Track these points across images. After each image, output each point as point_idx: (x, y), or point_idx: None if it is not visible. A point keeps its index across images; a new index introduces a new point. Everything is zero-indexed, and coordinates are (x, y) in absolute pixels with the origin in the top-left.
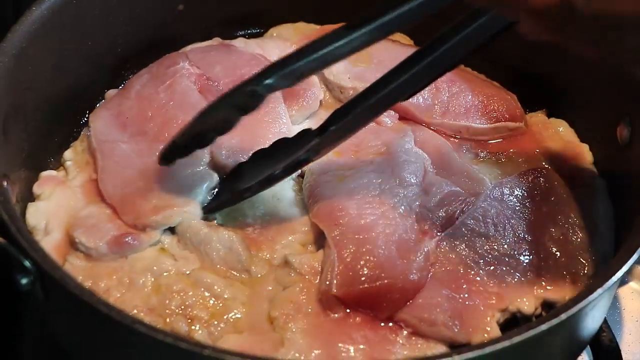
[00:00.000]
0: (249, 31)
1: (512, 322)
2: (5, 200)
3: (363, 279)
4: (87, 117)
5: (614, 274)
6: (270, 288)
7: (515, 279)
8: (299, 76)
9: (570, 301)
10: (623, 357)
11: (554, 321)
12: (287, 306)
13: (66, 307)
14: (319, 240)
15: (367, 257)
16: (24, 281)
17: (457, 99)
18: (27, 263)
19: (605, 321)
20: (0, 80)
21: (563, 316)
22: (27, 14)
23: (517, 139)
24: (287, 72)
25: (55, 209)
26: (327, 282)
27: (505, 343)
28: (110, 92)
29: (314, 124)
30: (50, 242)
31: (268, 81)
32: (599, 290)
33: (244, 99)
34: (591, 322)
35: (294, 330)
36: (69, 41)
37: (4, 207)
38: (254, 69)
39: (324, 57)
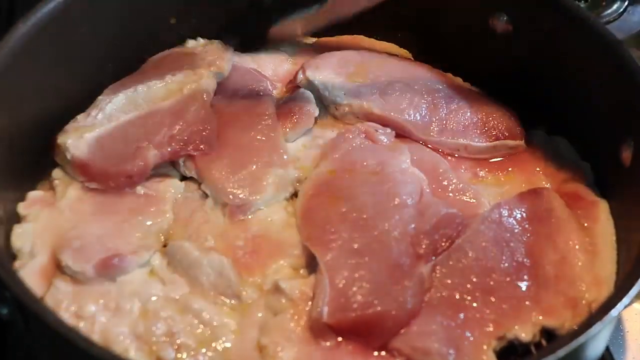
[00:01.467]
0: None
1: (510, 350)
2: None
3: (355, 306)
4: None
5: (614, 306)
6: (261, 314)
7: (513, 306)
8: None
9: (568, 335)
10: None
11: (552, 357)
12: (277, 334)
13: (47, 339)
14: (311, 264)
15: (360, 284)
16: (4, 311)
17: (456, 116)
18: (6, 294)
19: (607, 349)
20: None
21: (560, 353)
22: (12, 31)
23: (516, 157)
24: None
25: (42, 230)
26: (318, 310)
27: None
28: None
29: (309, 142)
30: (36, 266)
31: None
32: (599, 324)
33: None
34: (593, 352)
35: (284, 359)
36: (56, 59)
37: None
38: (248, 84)
39: None
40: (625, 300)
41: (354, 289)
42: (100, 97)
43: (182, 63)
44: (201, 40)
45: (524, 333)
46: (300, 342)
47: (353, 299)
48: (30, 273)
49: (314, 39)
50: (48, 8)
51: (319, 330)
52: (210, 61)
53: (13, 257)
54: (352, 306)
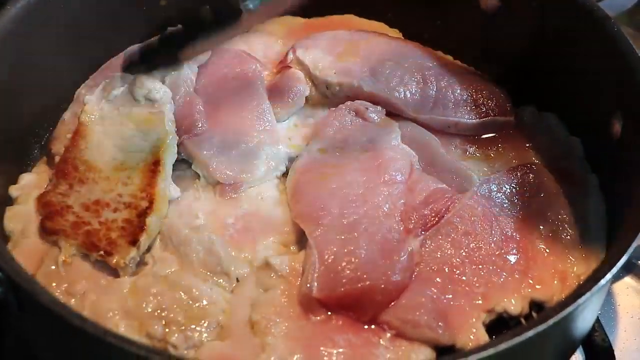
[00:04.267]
0: None
1: (500, 322)
2: None
3: (344, 281)
4: None
5: (603, 276)
6: (252, 291)
7: (502, 279)
8: None
9: (558, 305)
10: (618, 354)
11: (541, 327)
12: (268, 310)
13: (40, 318)
14: (302, 240)
15: (349, 258)
16: None
17: (446, 93)
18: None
19: (597, 320)
20: None
21: (550, 322)
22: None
23: (506, 133)
24: None
25: (34, 212)
26: (308, 285)
27: (490, 351)
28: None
29: (300, 121)
30: (27, 246)
31: None
32: (588, 294)
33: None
34: (582, 324)
35: (275, 334)
36: (46, 48)
37: None
38: (237, 67)
39: None
40: (613, 270)
41: (343, 263)
42: (81, 91)
43: None
44: (180, 27)
45: (513, 306)
46: (291, 317)
47: (342, 274)
48: (23, 253)
49: (304, 19)
50: None
51: (309, 305)
52: None
53: (6, 238)
54: (341, 281)
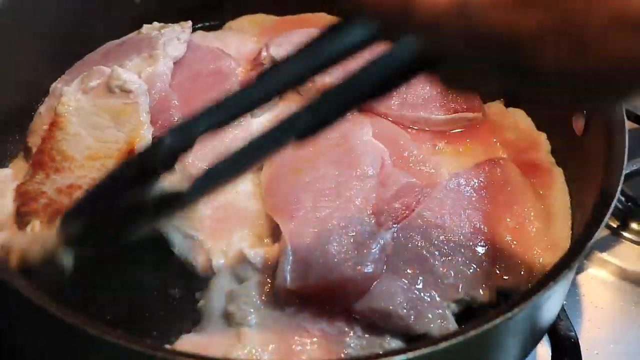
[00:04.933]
0: (207, 24)
1: (469, 312)
2: None
3: (317, 272)
4: None
5: (567, 266)
6: (227, 282)
7: (471, 270)
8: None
9: (524, 294)
10: (583, 344)
11: (508, 315)
12: (243, 301)
13: (14, 304)
14: (276, 233)
15: (322, 250)
16: None
17: (415, 89)
18: None
19: (563, 309)
20: None
21: (516, 310)
22: None
23: (475, 129)
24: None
25: (11, 204)
26: (282, 277)
27: (460, 338)
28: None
29: (273, 116)
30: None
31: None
32: (552, 284)
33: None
34: (547, 313)
35: (250, 325)
36: (19, 42)
37: None
38: (212, 64)
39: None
40: (577, 261)
41: (316, 255)
42: (57, 85)
43: (139, 47)
44: (157, 24)
45: (482, 295)
46: (266, 308)
47: (315, 266)
48: None
49: (276, 17)
50: None
51: (283, 296)
52: (166, 42)
53: None
54: (314, 272)
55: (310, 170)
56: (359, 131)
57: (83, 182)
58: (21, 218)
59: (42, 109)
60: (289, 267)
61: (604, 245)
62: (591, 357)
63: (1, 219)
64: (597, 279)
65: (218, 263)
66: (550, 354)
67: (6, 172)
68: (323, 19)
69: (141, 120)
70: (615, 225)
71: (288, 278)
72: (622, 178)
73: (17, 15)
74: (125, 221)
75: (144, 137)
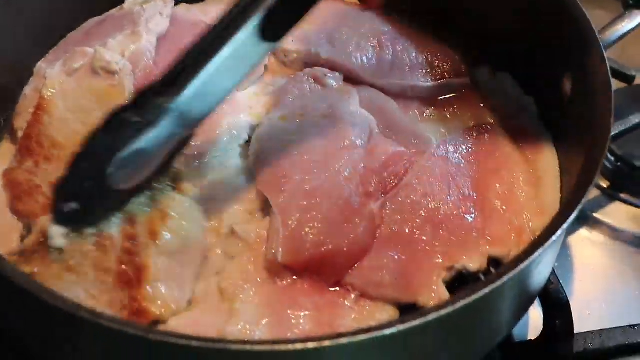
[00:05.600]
0: None
1: (460, 279)
2: None
3: (308, 245)
4: None
5: (556, 230)
6: (219, 258)
7: (461, 238)
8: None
9: (513, 261)
10: (575, 305)
11: (498, 283)
12: (235, 277)
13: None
14: (266, 207)
15: (312, 224)
16: None
17: (401, 57)
18: None
19: (553, 272)
20: None
21: (505, 278)
22: None
23: (462, 95)
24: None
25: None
26: (273, 251)
27: (449, 309)
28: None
29: (260, 89)
30: None
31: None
32: (541, 250)
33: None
34: (538, 278)
35: (243, 300)
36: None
37: None
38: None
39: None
40: (565, 225)
41: (306, 229)
42: (41, 65)
43: (121, 24)
44: None
45: (472, 263)
46: (258, 282)
47: (305, 239)
48: None
49: None
50: None
51: (275, 270)
52: (148, 18)
53: None
54: (305, 246)
55: (298, 143)
56: (346, 101)
57: None
58: (18, 216)
59: (27, 90)
60: (280, 241)
61: (595, 206)
62: (582, 317)
63: None
64: (588, 240)
65: (211, 241)
66: (542, 316)
67: None
68: None
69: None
70: (605, 186)
71: (280, 252)
72: (609, 138)
73: None
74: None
75: None
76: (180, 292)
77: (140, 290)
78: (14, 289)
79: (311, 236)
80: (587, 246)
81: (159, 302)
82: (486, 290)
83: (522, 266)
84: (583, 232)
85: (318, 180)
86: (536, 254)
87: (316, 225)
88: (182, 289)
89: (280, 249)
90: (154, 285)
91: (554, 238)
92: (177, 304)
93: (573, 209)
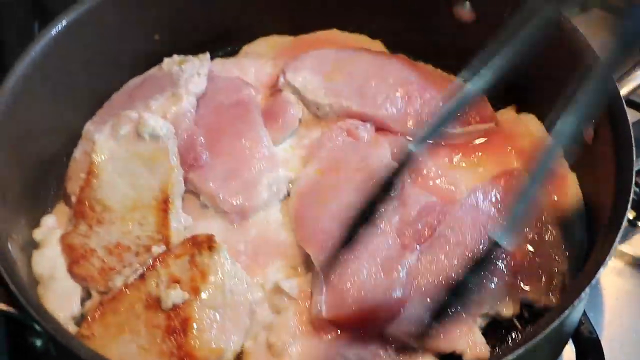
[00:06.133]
0: (226, 48)
1: (496, 324)
2: (12, 272)
3: (350, 301)
4: None
5: (590, 281)
6: (266, 314)
7: (494, 284)
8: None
9: (555, 311)
10: (605, 335)
11: (539, 337)
12: (282, 332)
13: None
14: (308, 261)
15: (353, 279)
16: (38, 343)
17: (429, 105)
18: (38, 327)
19: (584, 313)
20: None
21: (543, 333)
22: (10, 72)
23: (489, 139)
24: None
25: (59, 253)
26: (318, 307)
27: None
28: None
29: (295, 142)
30: (58, 289)
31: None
32: (577, 301)
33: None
34: (572, 323)
35: (291, 355)
36: (52, 94)
37: (12, 280)
38: (233, 94)
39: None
40: (598, 275)
41: (348, 284)
42: (89, 127)
43: (162, 85)
44: (177, 58)
45: (506, 309)
46: (304, 337)
47: (347, 294)
48: (54, 296)
49: (290, 38)
50: (40, 45)
51: (320, 325)
52: (187, 79)
53: (35, 282)
54: (348, 301)
55: (335, 198)
56: (378, 154)
57: (129, 241)
58: (76, 279)
59: (76, 153)
60: (324, 297)
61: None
62: (614, 348)
63: (54, 270)
64: (614, 271)
65: (257, 296)
66: (575, 353)
67: (50, 220)
68: (335, 36)
69: (171, 165)
70: (631, 217)
71: (324, 308)
72: (634, 174)
73: (46, 65)
74: None
75: (176, 180)
76: (226, 342)
77: (186, 339)
78: None
79: (353, 291)
80: (612, 276)
81: (204, 349)
82: (526, 346)
83: (561, 317)
84: (610, 263)
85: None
86: (573, 305)
87: (357, 280)
88: (228, 339)
89: (325, 306)
90: (199, 335)
91: (587, 290)
92: (221, 351)
93: (607, 253)
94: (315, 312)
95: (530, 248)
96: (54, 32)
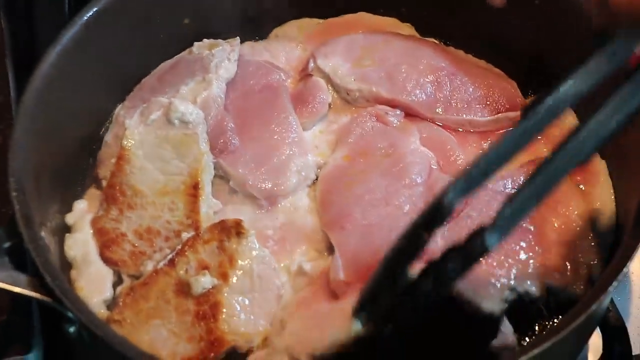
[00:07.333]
0: (255, 31)
1: (522, 312)
2: (46, 262)
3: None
4: None
5: (620, 271)
6: (289, 297)
7: (522, 267)
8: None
9: (587, 300)
10: (635, 325)
11: (572, 326)
12: (293, 306)
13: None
14: (332, 246)
15: (368, 247)
16: (71, 330)
17: (459, 92)
18: (71, 315)
19: (611, 300)
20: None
21: (574, 324)
22: (42, 58)
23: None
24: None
25: (91, 237)
26: (335, 272)
27: (535, 352)
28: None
29: (324, 127)
30: (91, 272)
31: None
32: (614, 284)
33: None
34: (598, 314)
35: (295, 318)
36: (83, 79)
37: (46, 269)
38: (262, 79)
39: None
40: (625, 269)
41: (364, 256)
42: (119, 111)
43: (192, 69)
44: (206, 42)
45: (534, 287)
46: (311, 306)
47: (362, 256)
48: (88, 279)
49: (319, 20)
50: (72, 32)
51: (338, 289)
52: (217, 64)
53: (69, 265)
54: (364, 259)
55: (362, 183)
56: (407, 139)
57: (159, 226)
58: (107, 263)
59: (107, 137)
60: (339, 262)
61: None
62: None
63: (86, 254)
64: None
65: (282, 280)
66: (602, 341)
67: (82, 204)
68: (364, 19)
69: (201, 150)
70: None
71: (341, 273)
72: None
73: (76, 52)
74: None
75: (206, 166)
76: (254, 327)
77: (216, 324)
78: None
79: (367, 253)
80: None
81: (234, 334)
82: (554, 340)
83: (588, 311)
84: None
85: (379, 216)
86: (608, 291)
87: (372, 246)
88: (256, 323)
89: (342, 271)
90: (228, 320)
91: (615, 283)
92: (250, 336)
93: (633, 251)
94: (333, 277)
95: (556, 237)
96: (85, 18)
